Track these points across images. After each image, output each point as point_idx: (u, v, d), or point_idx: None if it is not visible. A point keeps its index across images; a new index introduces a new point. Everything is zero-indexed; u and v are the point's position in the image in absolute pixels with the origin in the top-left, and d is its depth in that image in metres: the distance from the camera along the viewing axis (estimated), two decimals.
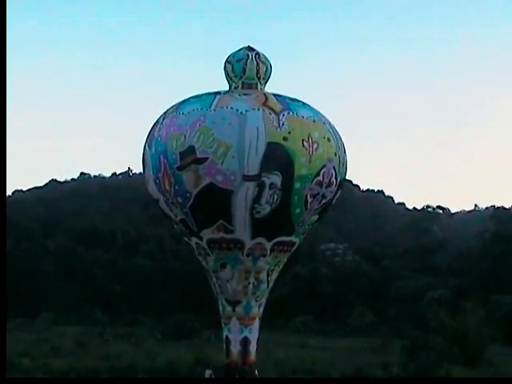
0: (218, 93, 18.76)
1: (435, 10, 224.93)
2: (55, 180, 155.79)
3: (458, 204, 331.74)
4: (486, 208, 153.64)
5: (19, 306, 72.56)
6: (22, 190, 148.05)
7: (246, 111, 17.57)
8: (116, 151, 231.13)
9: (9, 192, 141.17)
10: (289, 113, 17.99)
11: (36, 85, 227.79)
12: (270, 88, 20.06)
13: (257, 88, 19.47)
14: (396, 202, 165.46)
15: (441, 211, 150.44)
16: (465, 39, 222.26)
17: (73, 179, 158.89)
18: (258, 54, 19.74)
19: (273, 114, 17.70)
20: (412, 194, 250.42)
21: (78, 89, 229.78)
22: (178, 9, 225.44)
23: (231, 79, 19.67)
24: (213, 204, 17.56)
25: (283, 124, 17.62)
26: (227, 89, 19.79)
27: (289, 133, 17.63)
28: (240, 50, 19.85)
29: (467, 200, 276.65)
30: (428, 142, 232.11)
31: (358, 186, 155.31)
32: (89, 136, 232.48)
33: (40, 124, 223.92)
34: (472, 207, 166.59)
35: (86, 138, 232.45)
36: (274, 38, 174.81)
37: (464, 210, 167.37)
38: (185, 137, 17.53)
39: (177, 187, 17.79)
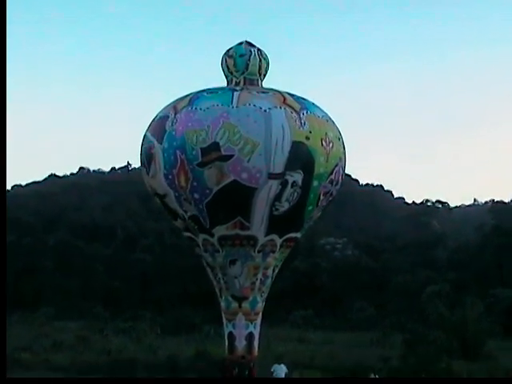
0: (234, 89, 18.71)
1: (441, 8, 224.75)
2: (54, 175, 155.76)
3: (457, 198, 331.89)
4: (485, 202, 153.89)
5: (19, 301, 72.64)
6: (21, 185, 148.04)
7: (269, 109, 17.63)
8: (115, 146, 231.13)
9: (8, 187, 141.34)
10: (307, 112, 18.16)
11: (34, 79, 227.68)
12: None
13: (258, 84, 19.54)
14: (395, 196, 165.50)
15: (440, 205, 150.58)
16: (456, 41, 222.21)
17: (72, 174, 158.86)
18: (259, 50, 19.79)
19: (294, 113, 17.84)
20: (411, 189, 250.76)
21: (76, 83, 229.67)
22: (169, 5, 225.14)
23: (231, 74, 19.61)
24: (233, 201, 17.56)
25: (304, 123, 17.79)
26: (224, 83, 19.80)
27: (310, 132, 17.82)
28: (240, 44, 19.79)
29: (466, 194, 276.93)
30: (427, 136, 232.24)
31: (357, 181, 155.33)
32: (87, 130, 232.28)
33: (38, 119, 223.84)
34: (471, 201, 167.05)
35: (84, 133, 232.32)
36: (257, 32, 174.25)
37: (463, 204, 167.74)
38: (206, 133, 17.43)
39: (195, 183, 17.68)
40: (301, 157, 17.64)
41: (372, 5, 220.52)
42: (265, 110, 17.60)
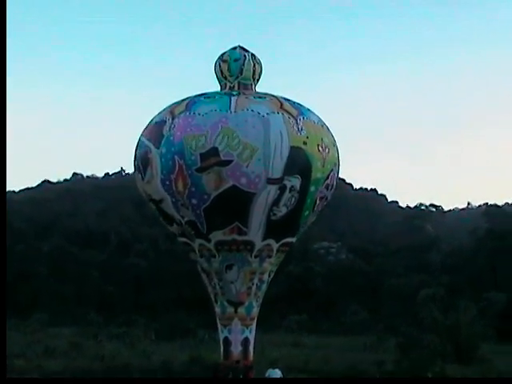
0: (230, 93, 18.70)
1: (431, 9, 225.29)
2: (47, 181, 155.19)
3: (450, 202, 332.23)
4: (479, 206, 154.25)
5: (13, 307, 72.34)
6: (14, 191, 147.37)
7: (267, 114, 17.70)
8: (108, 151, 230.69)
9: None
10: (303, 117, 18.27)
11: (27, 85, 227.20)
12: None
13: (252, 89, 19.56)
14: (389, 200, 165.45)
15: (434, 209, 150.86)
16: (453, 41, 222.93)
17: (65, 180, 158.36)
18: (253, 54, 19.81)
19: (291, 119, 17.94)
20: (405, 193, 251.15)
21: (70, 89, 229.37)
22: (161, 10, 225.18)
23: (225, 78, 19.58)
24: (231, 206, 17.58)
25: (302, 129, 17.91)
26: (217, 87, 19.78)
27: (307, 137, 17.95)
28: (234, 49, 19.75)
29: (460, 198, 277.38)
30: (421, 140, 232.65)
31: (351, 185, 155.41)
32: (81, 136, 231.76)
33: (31, 124, 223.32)
34: (465, 205, 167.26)
35: (78, 138, 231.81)
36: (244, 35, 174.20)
37: (457, 208, 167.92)
38: (205, 138, 17.39)
39: (193, 189, 17.64)
40: (299, 162, 17.72)
41: (365, 6, 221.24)
42: (263, 116, 17.65)
